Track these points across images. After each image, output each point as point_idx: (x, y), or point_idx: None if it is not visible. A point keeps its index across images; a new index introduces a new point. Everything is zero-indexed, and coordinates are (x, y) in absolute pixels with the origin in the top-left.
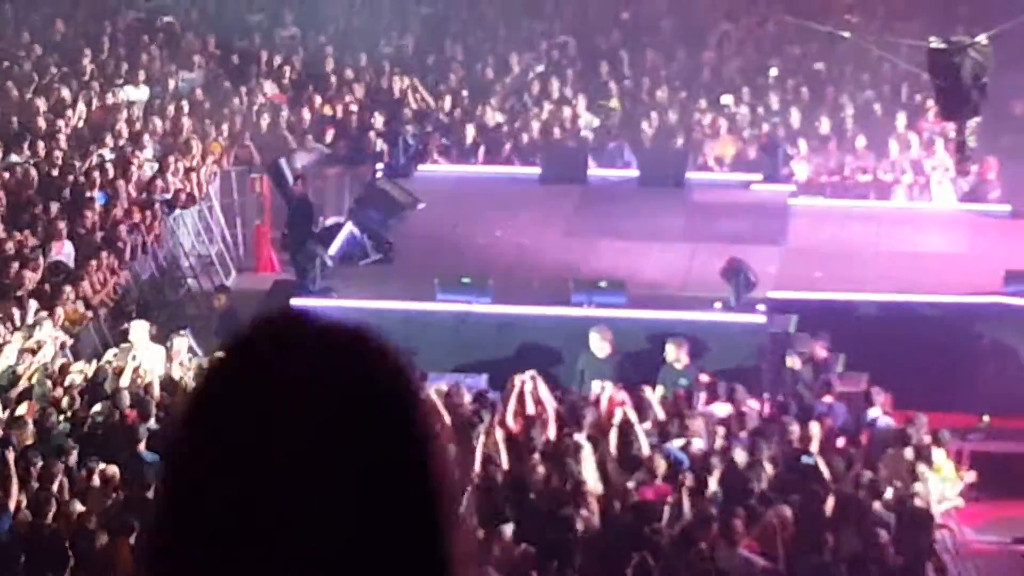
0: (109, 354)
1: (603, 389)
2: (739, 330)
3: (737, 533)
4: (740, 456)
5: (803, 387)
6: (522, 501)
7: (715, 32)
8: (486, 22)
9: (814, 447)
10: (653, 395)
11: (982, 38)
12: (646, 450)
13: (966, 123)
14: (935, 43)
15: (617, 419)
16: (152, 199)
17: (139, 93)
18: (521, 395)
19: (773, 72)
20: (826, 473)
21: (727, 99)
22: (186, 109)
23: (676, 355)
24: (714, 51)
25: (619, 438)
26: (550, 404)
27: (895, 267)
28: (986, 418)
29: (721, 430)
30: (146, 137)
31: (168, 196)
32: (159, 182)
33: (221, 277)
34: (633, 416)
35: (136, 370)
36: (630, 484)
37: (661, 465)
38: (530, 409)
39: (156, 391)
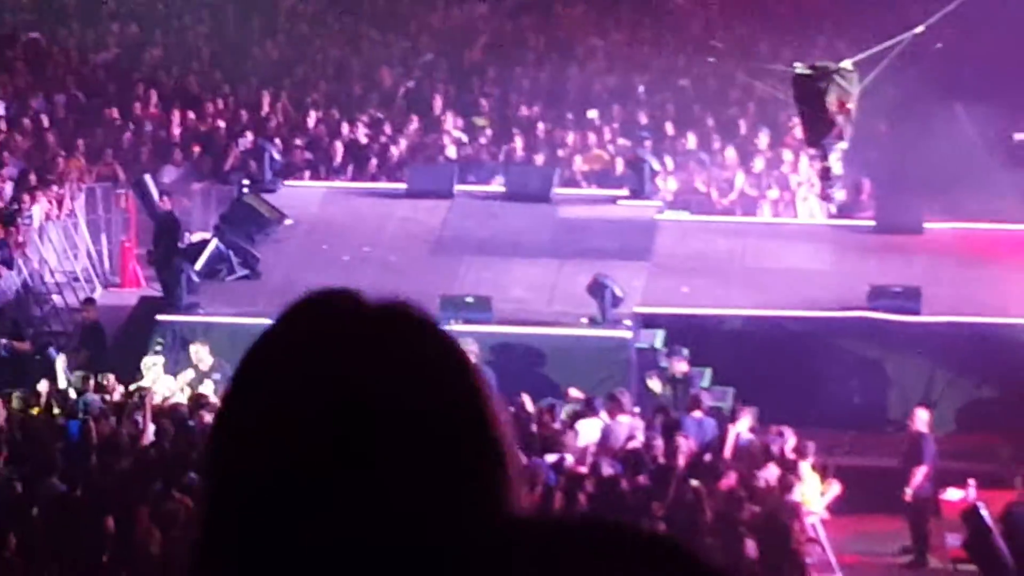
0: None
1: None
2: (606, 345)
3: None
4: (609, 471)
5: (669, 402)
6: None
7: (583, 47)
8: (353, 38)
9: (681, 461)
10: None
11: (847, 63)
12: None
13: (831, 149)
14: (800, 69)
15: None
16: (15, 215)
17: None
18: None
19: (640, 88)
20: (694, 488)
21: (593, 114)
22: (45, 124)
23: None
24: (581, 67)
25: None
26: None
27: (761, 282)
28: (851, 434)
29: (591, 446)
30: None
31: (32, 212)
32: (26, 197)
33: (86, 293)
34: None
35: None
36: None
37: (538, 477)
38: None
39: None
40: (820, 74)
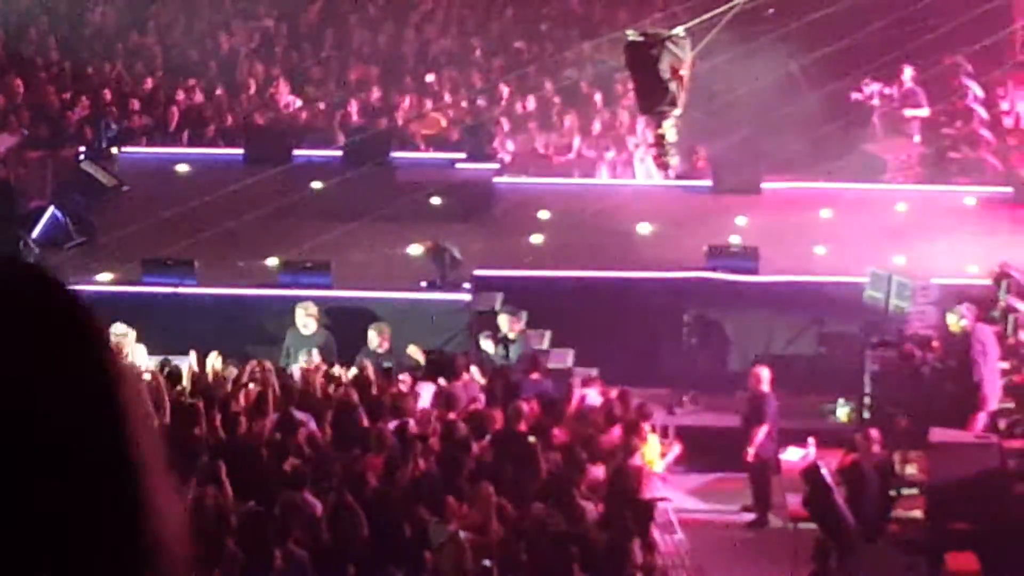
0: None
1: (313, 365)
2: (445, 309)
3: (451, 509)
4: (450, 434)
5: (501, 362)
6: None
7: (418, 11)
8: (190, 3)
9: (522, 425)
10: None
11: (679, 30)
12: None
13: (665, 116)
14: (632, 36)
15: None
16: None
17: None
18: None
19: (477, 51)
20: (530, 443)
21: (430, 78)
22: None
23: (378, 342)
24: (417, 29)
25: (337, 415)
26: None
27: (600, 244)
28: (692, 393)
29: (434, 410)
30: None
31: None
32: None
33: None
34: (354, 394)
35: None
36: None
37: (389, 440)
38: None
39: None
40: (652, 41)
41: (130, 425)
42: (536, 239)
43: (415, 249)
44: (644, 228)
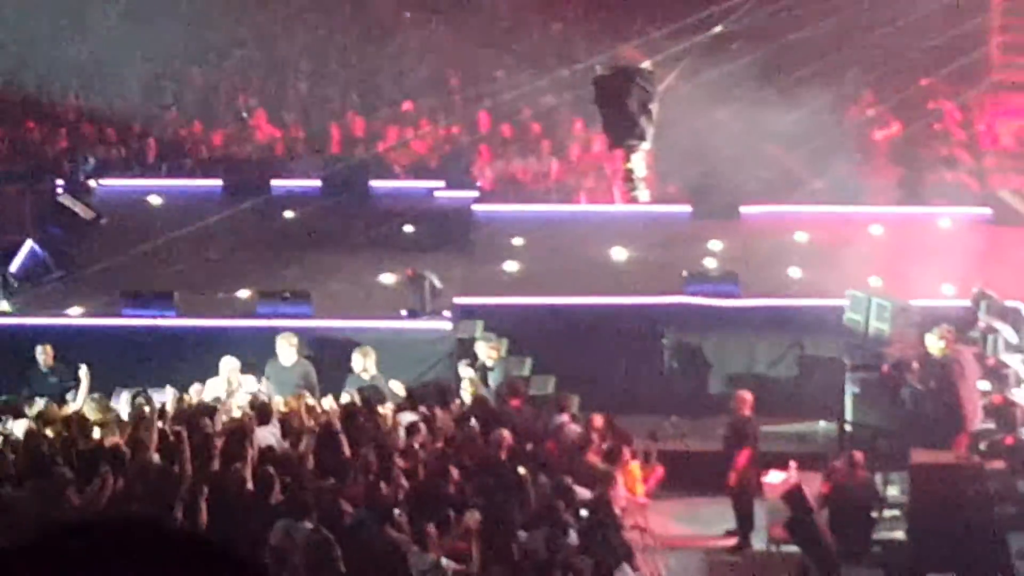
0: None
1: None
2: (426, 337)
3: (430, 537)
4: (432, 462)
5: (489, 392)
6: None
7: (397, 38)
8: (165, 35)
9: (503, 454)
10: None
11: (647, 64)
12: (347, 453)
13: (634, 150)
14: (600, 70)
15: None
16: None
17: None
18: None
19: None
20: (519, 476)
21: (408, 106)
22: None
23: (363, 364)
24: (396, 58)
25: (320, 443)
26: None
27: (579, 270)
28: (673, 418)
29: (418, 437)
30: None
31: None
32: None
33: None
34: (337, 423)
35: None
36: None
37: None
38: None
39: None
40: (620, 75)
41: None
42: (513, 266)
43: (387, 278)
44: (621, 254)
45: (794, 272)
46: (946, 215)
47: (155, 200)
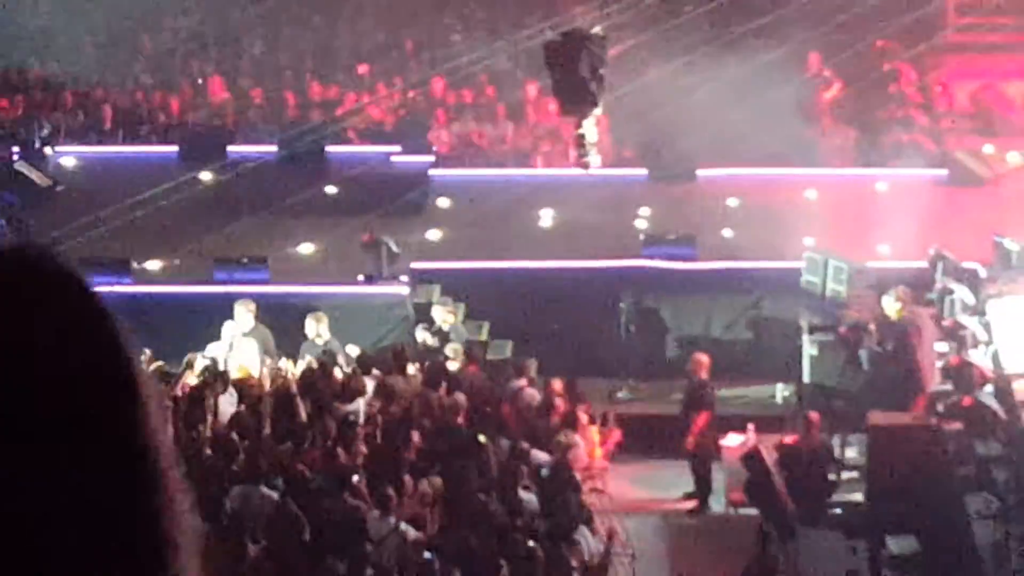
0: None
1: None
2: (383, 302)
3: (391, 502)
4: (391, 427)
5: (435, 353)
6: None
7: (351, 3)
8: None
9: (461, 417)
10: (294, 368)
11: (598, 29)
12: (303, 417)
13: (585, 116)
14: (551, 35)
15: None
16: None
17: None
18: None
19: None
20: (474, 443)
21: (364, 70)
22: None
23: (316, 330)
24: (351, 20)
25: (277, 408)
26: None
27: (536, 234)
28: (630, 381)
29: (376, 403)
30: None
31: None
32: None
33: None
34: (294, 387)
35: None
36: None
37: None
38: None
39: None
40: (571, 41)
41: (147, 408)
42: (471, 231)
43: (343, 243)
44: (579, 217)
45: (750, 234)
46: (903, 176)
47: (111, 167)
